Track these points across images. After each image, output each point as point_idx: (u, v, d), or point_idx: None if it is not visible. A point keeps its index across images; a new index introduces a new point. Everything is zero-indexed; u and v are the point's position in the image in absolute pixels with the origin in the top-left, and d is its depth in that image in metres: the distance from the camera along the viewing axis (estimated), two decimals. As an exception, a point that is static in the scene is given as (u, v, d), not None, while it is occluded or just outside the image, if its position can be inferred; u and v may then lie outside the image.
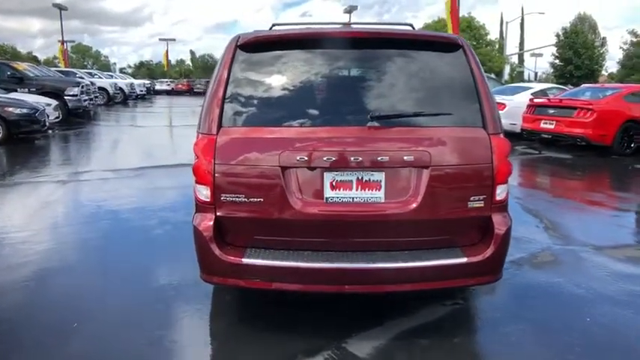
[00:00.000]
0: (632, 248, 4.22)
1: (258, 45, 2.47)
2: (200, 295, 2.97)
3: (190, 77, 57.21)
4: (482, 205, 2.35)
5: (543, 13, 44.52)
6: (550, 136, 9.89)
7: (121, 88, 23.56)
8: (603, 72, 43.42)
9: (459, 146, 2.35)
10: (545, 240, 4.17)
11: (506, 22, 45.00)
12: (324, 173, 2.29)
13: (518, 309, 2.93)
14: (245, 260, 2.29)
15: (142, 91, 27.94)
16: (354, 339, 2.51)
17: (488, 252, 2.34)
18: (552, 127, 9.44)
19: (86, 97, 14.85)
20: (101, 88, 20.51)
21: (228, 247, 2.35)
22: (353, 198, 2.30)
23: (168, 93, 42.17)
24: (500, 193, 2.38)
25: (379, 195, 2.30)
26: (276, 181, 2.27)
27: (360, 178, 2.30)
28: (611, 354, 2.47)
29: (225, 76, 2.40)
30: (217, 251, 2.31)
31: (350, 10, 30.79)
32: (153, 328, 2.62)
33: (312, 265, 2.26)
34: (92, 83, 17.57)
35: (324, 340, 2.49)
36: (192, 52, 77.46)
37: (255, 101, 2.42)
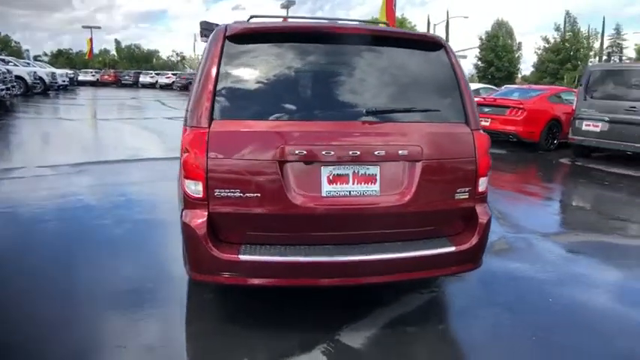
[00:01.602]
0: (571, 234, 4.66)
1: (249, 36, 2.43)
2: (181, 294, 2.87)
3: (116, 68, 53.87)
4: (467, 196, 2.49)
5: (467, 17, 46.96)
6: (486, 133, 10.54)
7: (40, 78, 21.61)
8: (519, 74, 47.03)
9: (446, 141, 2.47)
10: (499, 229, 4.48)
11: (434, 25, 47.16)
12: (322, 167, 2.30)
13: (487, 294, 3.14)
14: (242, 257, 2.24)
15: (64, 81, 25.84)
16: (345, 331, 2.55)
17: (474, 240, 2.49)
18: (487, 124, 10.08)
19: (2, 87, 13.52)
20: (18, 77, 18.73)
21: (222, 244, 2.29)
22: (350, 192, 2.33)
23: (93, 84, 39.30)
24: (482, 185, 2.54)
25: (375, 188, 2.36)
26: (274, 176, 2.25)
27: (356, 171, 2.34)
28: (575, 330, 2.73)
29: (215, 68, 2.33)
30: (212, 249, 2.24)
31: (287, 6, 30.62)
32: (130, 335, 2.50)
33: (312, 260, 2.27)
34: (8, 71, 15.99)
35: (317, 334, 2.51)
36: (117, 42, 72.95)
37: (247, 94, 2.38)
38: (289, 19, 3.06)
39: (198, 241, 2.25)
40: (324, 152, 2.26)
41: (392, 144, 2.34)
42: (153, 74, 41.62)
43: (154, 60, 70.81)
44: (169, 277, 3.13)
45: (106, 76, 42.03)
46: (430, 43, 2.62)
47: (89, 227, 4.14)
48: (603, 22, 57.74)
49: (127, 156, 7.58)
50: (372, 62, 2.52)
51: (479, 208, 2.54)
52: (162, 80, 39.13)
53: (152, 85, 39.18)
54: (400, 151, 2.35)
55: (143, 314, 2.69)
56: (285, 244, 2.34)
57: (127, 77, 41.54)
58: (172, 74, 41.07)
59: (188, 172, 2.28)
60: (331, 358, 2.33)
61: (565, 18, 42.40)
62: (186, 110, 2.44)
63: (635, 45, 30.48)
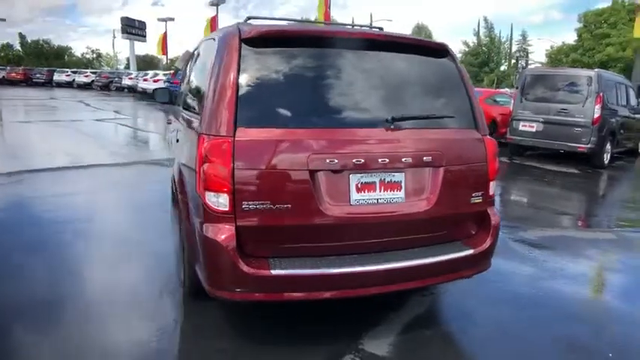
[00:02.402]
0: (528, 228, 4.99)
1: (266, 40, 2.31)
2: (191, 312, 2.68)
3: (21, 64, 48.96)
4: (480, 200, 2.57)
5: (391, 20, 48.86)
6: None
7: None
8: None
9: (462, 147, 2.53)
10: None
11: (361, 27, 48.08)
12: (350, 175, 2.25)
13: (476, 289, 3.21)
14: (274, 272, 2.13)
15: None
16: (365, 339, 2.53)
17: (488, 242, 2.57)
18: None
19: None
20: None
21: (249, 259, 2.16)
22: (377, 199, 2.30)
23: (-2, 82, 35.63)
24: (491, 188, 2.63)
25: (400, 195, 2.35)
26: (305, 186, 2.17)
27: (382, 179, 2.32)
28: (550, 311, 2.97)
29: (234, 73, 2.19)
30: (241, 264, 2.11)
31: (217, 3, 29.85)
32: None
33: (343, 271, 2.20)
34: None
35: (340, 345, 2.46)
36: (21, 36, 66.24)
37: (270, 100, 2.26)
38: (288, 22, 2.96)
39: (226, 257, 2.10)
40: (354, 160, 2.22)
41: (417, 151, 2.35)
42: (69, 72, 38.42)
43: (66, 57, 65.65)
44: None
45: (14, 74, 38.08)
46: (437, 50, 2.66)
47: (51, 247, 3.74)
48: (511, 28, 62.81)
49: (68, 162, 6.95)
50: (388, 68, 2.51)
51: (490, 211, 2.63)
52: (80, 79, 36.30)
53: (69, 85, 36.18)
54: (425, 158, 2.36)
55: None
56: (313, 255, 2.26)
57: (38, 75, 37.98)
58: (91, 72, 38.32)
59: (211, 183, 2.13)
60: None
61: (478, 23, 45.57)
62: (201, 117, 2.28)
63: (546, 50, 33.67)
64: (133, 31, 41.59)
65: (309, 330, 2.61)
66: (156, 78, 25.60)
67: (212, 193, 2.14)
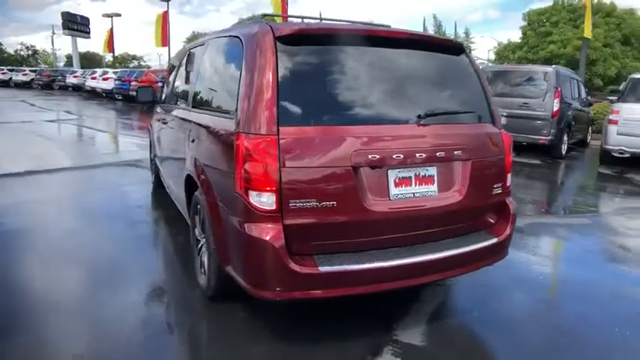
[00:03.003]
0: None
1: (299, 38, 2.30)
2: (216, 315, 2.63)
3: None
4: (500, 191, 2.70)
5: (341, 20, 49.24)
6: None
7: None
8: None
9: (485, 141, 2.64)
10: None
11: (314, 24, 48.12)
12: (389, 171, 2.30)
13: (481, 277, 3.32)
14: (322, 269, 2.14)
15: None
16: (398, 330, 2.59)
17: (508, 230, 2.70)
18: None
19: None
20: None
21: (295, 257, 2.16)
22: (414, 193, 2.37)
23: None
24: (508, 179, 2.76)
25: (433, 189, 2.42)
26: (349, 182, 2.19)
27: (417, 174, 2.38)
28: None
29: (272, 71, 2.18)
30: (290, 263, 2.10)
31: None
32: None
33: (387, 264, 2.25)
34: None
35: (376, 338, 2.51)
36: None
37: (309, 98, 2.27)
38: (305, 19, 2.95)
39: (275, 256, 2.09)
40: (393, 156, 2.27)
41: (447, 145, 2.43)
42: (5, 70, 35.85)
43: (-4, 53, 61.37)
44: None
45: None
46: (455, 48, 2.76)
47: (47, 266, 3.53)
48: (455, 26, 65.11)
49: (33, 167, 6.52)
50: (414, 65, 2.57)
51: (508, 201, 2.77)
52: (18, 77, 33.98)
53: (4, 84, 33.71)
54: (455, 152, 2.45)
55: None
56: (354, 250, 2.29)
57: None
58: (30, 71, 35.97)
59: (256, 183, 2.11)
60: (403, 357, 2.35)
61: (424, 20, 46.81)
62: (236, 116, 2.24)
63: (493, 47, 35.25)
64: (76, 27, 39.53)
65: (342, 325, 2.63)
66: (105, 76, 24.49)
67: (257, 193, 2.12)
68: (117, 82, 22.96)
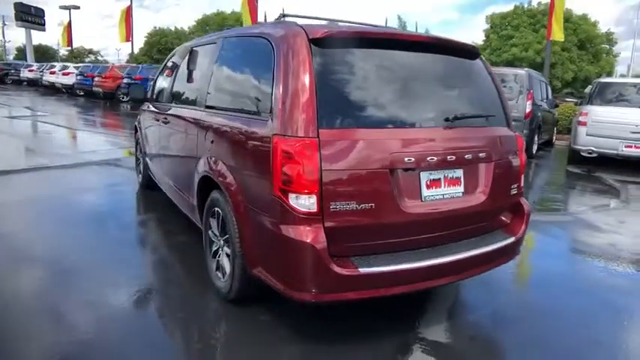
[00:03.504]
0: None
1: (332, 40, 2.31)
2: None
3: None
4: (516, 191, 2.81)
5: (305, 17, 49.32)
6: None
7: None
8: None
9: (503, 143, 2.74)
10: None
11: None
12: (421, 173, 2.35)
13: (486, 274, 3.47)
14: (362, 270, 2.16)
15: None
16: (422, 329, 2.65)
17: (522, 229, 2.81)
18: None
19: None
20: None
21: (334, 259, 2.17)
22: (443, 195, 2.43)
23: None
24: (522, 180, 2.88)
25: (460, 190, 2.49)
26: (386, 185, 2.22)
27: (446, 175, 2.44)
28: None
29: (308, 74, 2.18)
30: (333, 265, 2.11)
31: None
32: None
33: (422, 264, 2.30)
34: None
35: (402, 336, 2.56)
36: None
37: (345, 101, 2.28)
38: (329, 20, 2.95)
39: (317, 258, 2.09)
40: (427, 158, 2.32)
41: (473, 147, 2.51)
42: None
43: None
44: None
45: None
46: (472, 52, 2.84)
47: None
48: (416, 27, 66.41)
49: (6, 166, 6.19)
50: (439, 69, 2.63)
51: (522, 201, 2.88)
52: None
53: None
54: (480, 154, 2.53)
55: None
56: (389, 251, 2.33)
57: None
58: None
59: (297, 185, 2.10)
60: (435, 355, 2.41)
61: (386, 21, 47.35)
62: (272, 118, 2.23)
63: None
64: (30, 19, 37.60)
65: (366, 326, 2.66)
66: (66, 71, 23.44)
67: (297, 195, 2.11)
68: (79, 77, 22.04)
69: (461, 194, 2.50)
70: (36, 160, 6.87)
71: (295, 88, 2.18)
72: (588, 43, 27.56)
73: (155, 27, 52.99)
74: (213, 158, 2.82)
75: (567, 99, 21.71)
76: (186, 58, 3.73)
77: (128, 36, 27.60)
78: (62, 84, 23.36)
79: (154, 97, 4.75)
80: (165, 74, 4.49)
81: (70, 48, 39.57)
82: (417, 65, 2.55)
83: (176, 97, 3.90)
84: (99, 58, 68.25)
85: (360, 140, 2.20)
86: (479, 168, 2.57)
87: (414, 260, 2.30)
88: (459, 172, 2.49)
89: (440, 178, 2.42)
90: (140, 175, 5.42)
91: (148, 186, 5.28)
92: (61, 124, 12.10)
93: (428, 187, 2.38)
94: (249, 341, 2.48)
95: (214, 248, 2.95)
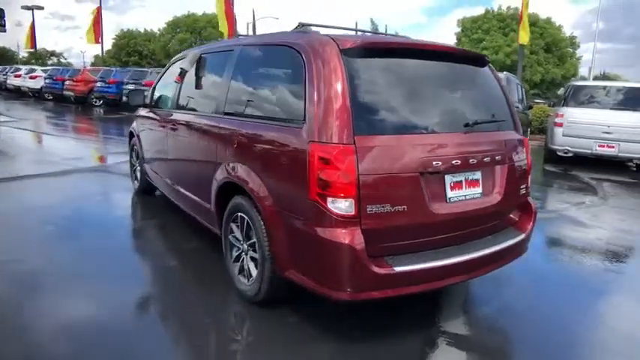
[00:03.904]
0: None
1: (362, 50, 2.43)
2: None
3: None
4: (525, 191, 2.99)
5: (277, 18, 49.69)
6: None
7: None
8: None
9: (514, 146, 2.92)
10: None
11: (247, 23, 47.86)
12: (445, 176, 2.49)
13: None
14: (397, 269, 2.28)
15: None
16: (442, 322, 2.79)
17: (530, 226, 3.00)
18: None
19: None
20: None
21: (370, 259, 2.28)
22: (465, 196, 2.58)
23: None
24: (529, 180, 3.07)
25: (479, 191, 2.65)
26: (417, 187, 2.35)
27: (467, 178, 2.59)
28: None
29: (343, 83, 2.30)
30: (371, 265, 2.23)
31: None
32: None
33: (450, 261, 2.44)
34: None
35: (426, 331, 2.70)
36: None
37: (376, 109, 2.41)
38: (355, 31, 3.07)
39: (356, 259, 2.20)
40: (452, 162, 2.46)
41: (490, 151, 2.68)
42: None
43: None
44: None
45: None
46: (482, 60, 3.02)
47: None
48: (386, 29, 67.76)
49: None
50: (457, 77, 2.80)
51: (529, 200, 3.07)
52: None
53: None
54: (496, 157, 2.70)
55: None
56: (419, 250, 2.46)
57: None
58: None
59: (335, 190, 2.21)
60: (459, 346, 2.56)
61: (356, 24, 48.15)
62: (308, 126, 2.32)
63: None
64: (-10, 20, 36.10)
65: (389, 323, 2.78)
66: (33, 74, 22.70)
67: (335, 199, 2.21)
68: (47, 80, 21.41)
69: (480, 195, 2.65)
70: (22, 167, 6.69)
71: (330, 97, 2.28)
72: (554, 47, 28.78)
73: (123, 29, 51.96)
74: (237, 164, 2.88)
75: (535, 100, 22.60)
76: (196, 64, 3.76)
77: (97, 38, 26.92)
78: (29, 88, 22.63)
79: (154, 102, 4.75)
80: (168, 80, 4.49)
81: (33, 50, 38.21)
82: (437, 73, 2.70)
83: (185, 104, 3.92)
84: (62, 60, 66.28)
85: (392, 146, 2.33)
86: (495, 170, 2.73)
87: (443, 258, 2.44)
88: (478, 174, 2.65)
89: (461, 180, 2.57)
90: (136, 182, 5.39)
91: (145, 192, 5.26)
92: (37, 130, 11.77)
93: (452, 188, 2.52)
94: (282, 340, 2.56)
95: (236, 253, 3.01)
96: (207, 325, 2.72)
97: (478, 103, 2.87)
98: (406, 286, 2.37)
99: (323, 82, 2.33)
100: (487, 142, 2.73)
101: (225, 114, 3.13)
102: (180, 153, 3.96)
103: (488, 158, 2.66)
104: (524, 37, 13.60)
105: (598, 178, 8.02)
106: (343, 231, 2.22)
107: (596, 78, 26.01)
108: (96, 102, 19.48)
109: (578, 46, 31.59)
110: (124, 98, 17.80)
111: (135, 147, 5.34)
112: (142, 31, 51.09)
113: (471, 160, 2.55)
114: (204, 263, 3.52)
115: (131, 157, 5.58)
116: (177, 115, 3.94)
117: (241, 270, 2.95)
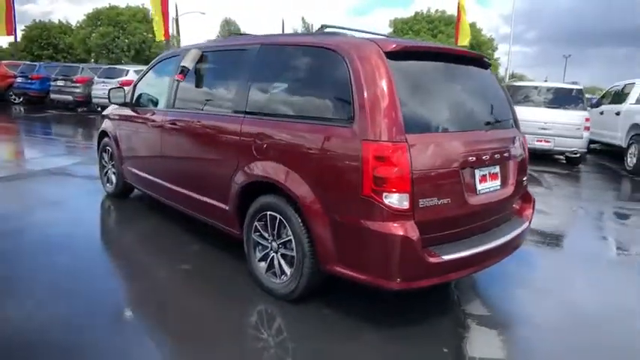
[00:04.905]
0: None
1: (402, 53, 2.57)
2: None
3: None
4: (526, 183, 3.32)
5: (204, 14, 48.47)
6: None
7: None
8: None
9: (519, 142, 3.23)
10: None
11: (173, 18, 45.93)
12: (475, 170, 2.72)
13: None
14: (445, 257, 2.46)
15: None
16: (464, 305, 3.04)
17: (531, 214, 3.34)
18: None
19: None
20: None
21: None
22: (489, 188, 2.83)
23: None
24: (527, 173, 3.40)
25: (498, 183, 2.92)
26: (457, 181, 2.56)
27: (490, 171, 2.85)
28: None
29: (391, 84, 2.43)
30: (424, 255, 2.38)
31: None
32: None
33: (486, 247, 2.68)
34: None
35: (452, 313, 2.92)
36: None
37: (420, 108, 2.61)
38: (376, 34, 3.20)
39: (413, 250, 2.35)
40: (483, 157, 2.70)
41: (507, 146, 2.97)
42: None
43: None
44: None
45: None
46: (487, 63, 3.29)
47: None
48: (311, 28, 68.71)
49: None
50: (476, 79, 3.09)
51: (528, 190, 3.41)
52: None
53: None
54: (511, 152, 2.98)
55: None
56: (457, 239, 2.66)
57: None
58: None
59: (390, 185, 2.34)
60: (485, 324, 2.81)
61: (282, 22, 48.36)
62: (359, 125, 2.42)
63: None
64: None
65: (417, 310, 2.95)
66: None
67: (390, 194, 2.34)
68: (20, 78, 19.10)
69: (499, 187, 2.92)
70: None
71: (380, 97, 2.40)
72: (477, 49, 30.94)
73: (35, 20, 47.81)
74: (267, 162, 2.88)
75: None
76: (198, 63, 3.69)
77: (10, 29, 24.29)
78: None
79: (136, 102, 4.55)
80: (155, 79, 4.33)
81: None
82: (462, 75, 2.96)
83: (185, 103, 3.81)
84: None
85: (438, 143, 2.52)
86: (509, 164, 3.02)
87: (479, 244, 2.68)
88: (497, 168, 2.91)
89: (486, 174, 2.82)
90: (109, 185, 5.12)
91: (123, 195, 5.03)
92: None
93: (480, 181, 2.76)
94: (320, 333, 2.63)
95: (261, 252, 3.03)
96: (244, 325, 2.74)
97: (491, 102, 3.14)
98: (449, 273, 2.56)
99: (372, 82, 2.43)
100: (503, 139, 3.01)
101: (247, 113, 3.11)
102: (181, 153, 3.84)
103: (505, 153, 2.94)
104: (463, 39, 14.49)
105: (538, 170, 8.83)
106: (399, 224, 2.36)
107: (512, 78, 28.32)
108: (15, 99, 17.84)
109: (496, 48, 34.28)
110: (52, 95, 16.54)
111: (108, 148, 5.06)
112: (57, 22, 47.42)
113: (496, 156, 2.80)
114: (214, 265, 3.47)
115: (102, 158, 5.27)
116: (177, 115, 3.82)
117: (269, 268, 2.98)
